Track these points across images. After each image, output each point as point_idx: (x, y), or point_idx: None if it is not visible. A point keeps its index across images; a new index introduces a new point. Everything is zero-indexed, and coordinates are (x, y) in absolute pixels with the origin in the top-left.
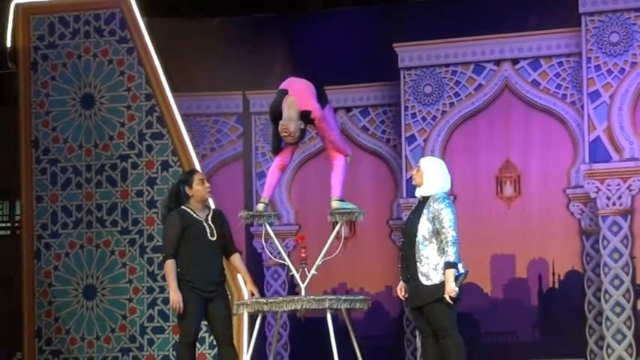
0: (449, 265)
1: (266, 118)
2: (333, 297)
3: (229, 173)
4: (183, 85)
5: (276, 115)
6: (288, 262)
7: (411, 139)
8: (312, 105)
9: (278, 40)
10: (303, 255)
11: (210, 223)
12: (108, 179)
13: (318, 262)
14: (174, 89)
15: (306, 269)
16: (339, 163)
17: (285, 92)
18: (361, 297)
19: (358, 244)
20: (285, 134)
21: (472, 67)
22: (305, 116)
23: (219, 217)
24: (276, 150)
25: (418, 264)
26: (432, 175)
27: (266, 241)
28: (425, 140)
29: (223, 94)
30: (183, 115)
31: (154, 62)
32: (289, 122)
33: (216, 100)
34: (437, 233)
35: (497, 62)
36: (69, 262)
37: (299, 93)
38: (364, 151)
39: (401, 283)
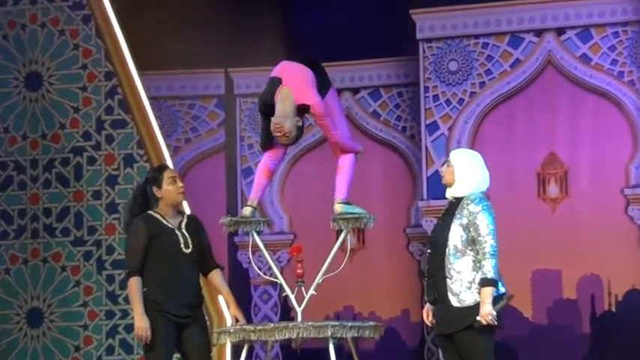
0: (486, 282)
1: (253, 102)
2: (337, 323)
3: (208, 170)
4: (151, 61)
5: (267, 109)
6: (280, 279)
7: (433, 127)
8: (312, 98)
9: (268, 6)
10: (299, 271)
11: (184, 231)
12: (58, 177)
13: (318, 279)
14: (140, 66)
15: (303, 289)
16: (345, 159)
17: (278, 81)
18: (371, 323)
19: (368, 258)
20: (278, 134)
21: (507, 38)
22: (303, 110)
23: (195, 225)
24: (266, 146)
25: (448, 281)
26: (466, 172)
27: (254, 253)
28: (449, 129)
29: (201, 72)
30: (151, 99)
31: (115, 33)
32: (284, 119)
33: (193, 80)
34: (472, 243)
35: (539, 32)
36: (9, 280)
37: (295, 82)
38: (374, 142)
39: (427, 305)
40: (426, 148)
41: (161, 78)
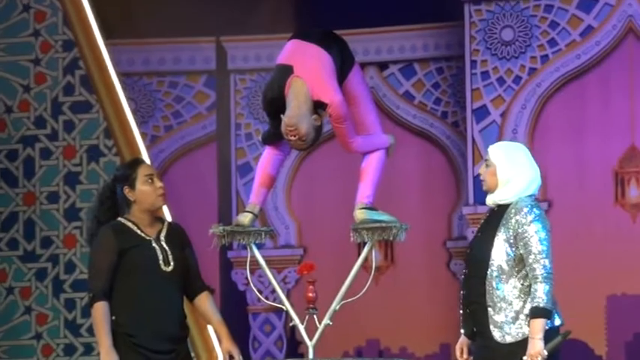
0: (537, 312)
1: (252, 79)
2: None
3: (195, 166)
4: (122, 28)
5: (274, 103)
6: (287, 305)
7: (482, 112)
8: (331, 95)
9: None
10: (310, 295)
11: (163, 244)
12: (3, 175)
13: (335, 306)
14: (108, 34)
15: (315, 317)
16: (373, 155)
17: (288, 70)
18: None
19: (398, 279)
20: (293, 138)
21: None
22: (318, 106)
23: (178, 236)
24: (270, 141)
25: (490, 310)
26: (510, 172)
27: (252, 272)
28: (503, 115)
29: (186, 41)
30: (122, 75)
31: None
32: (299, 120)
33: (175, 51)
34: (520, 263)
35: None
36: None
37: (310, 72)
38: (407, 131)
39: (462, 339)
40: (473, 139)
41: (135, 49)
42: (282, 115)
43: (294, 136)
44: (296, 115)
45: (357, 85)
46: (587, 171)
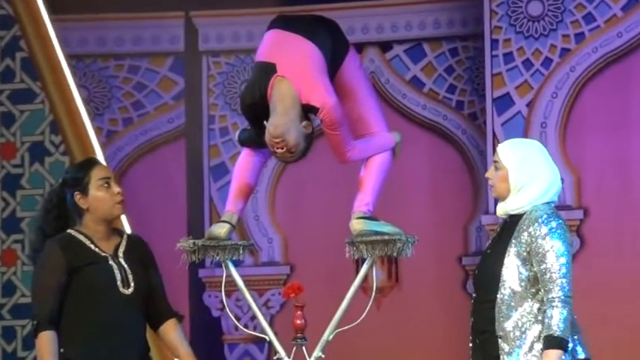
0: (551, 342)
1: (229, 62)
2: None
3: (160, 167)
4: (73, 0)
5: (255, 108)
6: (270, 334)
7: (504, 101)
8: (323, 97)
9: None
10: (298, 322)
11: (122, 261)
12: None
13: (328, 335)
14: (54, 9)
15: (304, 349)
16: (377, 157)
17: (270, 69)
18: None
19: (404, 302)
20: (280, 150)
21: None
22: (308, 110)
23: (139, 251)
24: (249, 144)
25: (501, 342)
26: (524, 176)
27: (229, 295)
28: (529, 105)
29: (149, 16)
30: (72, 57)
31: None
32: (286, 129)
33: (136, 29)
34: (535, 282)
35: None
36: None
37: (296, 70)
38: (415, 124)
39: None
40: (494, 134)
41: (87, 26)
42: (265, 123)
43: (282, 148)
44: (282, 124)
45: (353, 74)
46: (631, 172)
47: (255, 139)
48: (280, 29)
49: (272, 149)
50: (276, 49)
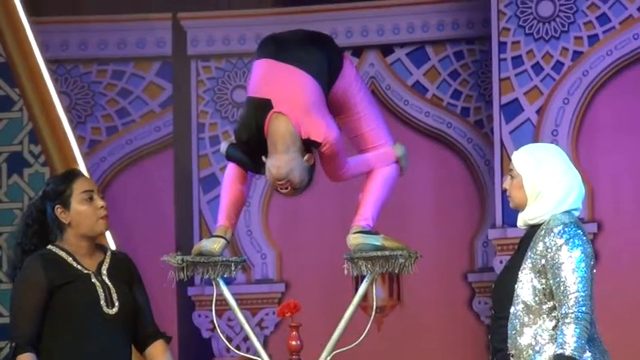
0: None
1: (220, 67)
2: None
3: (146, 179)
4: (53, 1)
5: (251, 143)
6: (264, 356)
7: (513, 108)
8: (324, 133)
9: None
10: (294, 343)
11: (106, 279)
12: None
13: (325, 357)
14: (33, 10)
15: None
16: (381, 171)
17: (265, 105)
18: None
19: (407, 321)
20: (284, 190)
21: None
22: (309, 143)
23: (124, 269)
24: (237, 163)
25: None
26: (541, 183)
27: (220, 315)
28: (539, 111)
29: (134, 18)
30: (52, 62)
31: None
32: (291, 169)
33: (121, 32)
34: (551, 297)
35: None
36: None
37: (293, 106)
38: (417, 132)
39: None
40: (502, 143)
41: (69, 28)
42: (264, 159)
43: (286, 188)
44: (285, 164)
45: (350, 87)
46: None
47: (245, 163)
48: (272, 59)
49: (278, 190)
50: (269, 84)
